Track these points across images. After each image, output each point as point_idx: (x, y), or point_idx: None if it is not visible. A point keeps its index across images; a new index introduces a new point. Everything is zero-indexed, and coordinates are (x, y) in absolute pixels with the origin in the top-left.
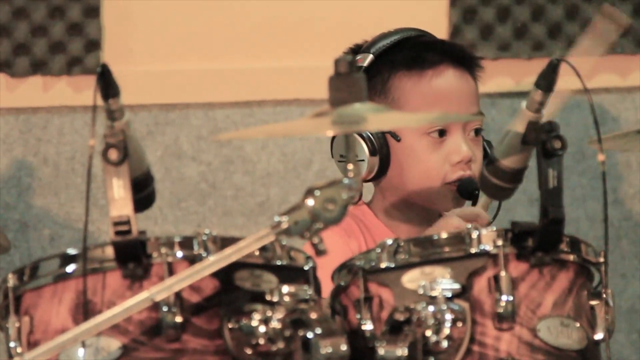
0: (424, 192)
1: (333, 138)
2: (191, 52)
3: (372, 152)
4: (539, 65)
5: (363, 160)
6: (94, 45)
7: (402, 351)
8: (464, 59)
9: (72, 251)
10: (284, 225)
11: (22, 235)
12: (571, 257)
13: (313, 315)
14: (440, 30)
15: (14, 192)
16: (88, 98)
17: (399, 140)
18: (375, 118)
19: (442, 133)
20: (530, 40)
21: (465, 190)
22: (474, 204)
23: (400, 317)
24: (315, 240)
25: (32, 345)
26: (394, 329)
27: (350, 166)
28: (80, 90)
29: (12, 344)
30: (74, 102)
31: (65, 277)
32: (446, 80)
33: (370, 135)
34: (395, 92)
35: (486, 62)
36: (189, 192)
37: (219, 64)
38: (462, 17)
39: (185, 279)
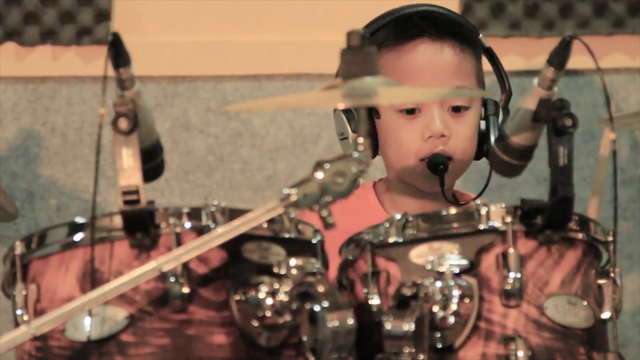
0: (402, 170)
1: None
2: (201, 24)
3: (355, 130)
4: (549, 44)
5: (347, 137)
6: (103, 15)
7: (409, 326)
8: (446, 32)
9: (80, 220)
10: (293, 198)
11: (28, 205)
12: (580, 236)
13: (320, 289)
14: (451, 7)
15: (21, 162)
16: (97, 68)
17: (378, 118)
18: (387, 92)
19: (411, 111)
20: (541, 19)
21: (432, 165)
22: (442, 180)
23: (407, 292)
24: (324, 213)
25: (38, 313)
26: (401, 304)
27: (360, 140)
28: (89, 61)
29: (18, 312)
30: (83, 72)
31: (72, 245)
32: (419, 54)
33: (355, 113)
34: (381, 70)
35: (496, 40)
36: (197, 164)
37: (229, 36)
38: None
39: (193, 249)
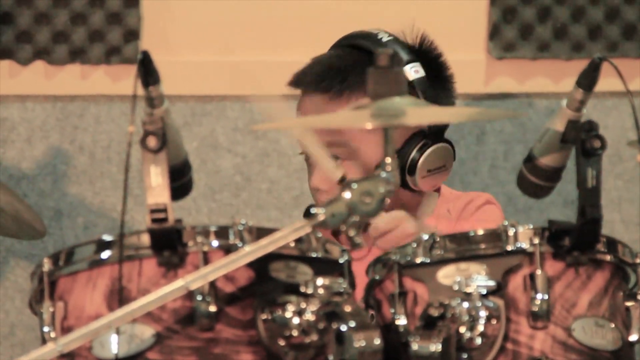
0: None
1: None
2: (229, 43)
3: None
4: (578, 66)
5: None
6: (132, 34)
7: (436, 347)
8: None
9: (107, 237)
10: (321, 217)
11: (56, 223)
12: (608, 258)
13: (347, 308)
14: (480, 29)
15: (49, 180)
16: (125, 87)
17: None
18: (415, 112)
19: (307, 157)
20: (570, 41)
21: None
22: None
23: (434, 312)
24: (352, 233)
25: (65, 330)
26: (428, 325)
27: (388, 160)
28: (118, 80)
29: (45, 329)
30: (112, 91)
31: (100, 263)
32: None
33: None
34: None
35: (525, 62)
36: (224, 184)
37: (257, 56)
38: (502, 17)
39: (220, 268)
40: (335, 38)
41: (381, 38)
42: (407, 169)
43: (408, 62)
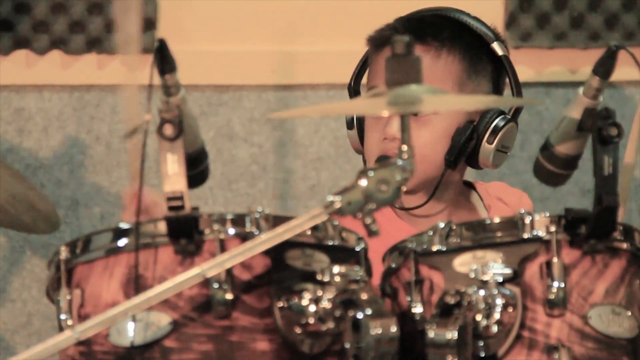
0: None
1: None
2: (246, 33)
3: (349, 125)
4: (594, 55)
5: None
6: (149, 24)
7: (452, 334)
8: (417, 34)
9: (124, 225)
10: (337, 205)
11: (72, 213)
12: (624, 246)
13: (363, 296)
14: (496, 18)
15: (65, 169)
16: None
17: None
18: (431, 99)
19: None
20: (587, 30)
21: None
22: None
23: (450, 300)
24: (368, 220)
25: (82, 318)
26: (444, 312)
27: (404, 147)
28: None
29: (62, 316)
30: (128, 80)
31: (117, 251)
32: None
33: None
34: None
35: (541, 51)
36: (240, 173)
37: (274, 46)
38: (519, 6)
39: (236, 256)
40: (351, 28)
41: (467, 12)
42: (486, 139)
43: (496, 40)
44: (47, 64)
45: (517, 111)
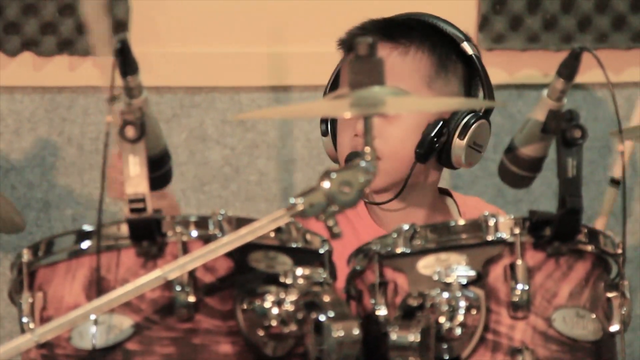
0: None
1: None
2: (218, 35)
3: (324, 133)
4: None
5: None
6: (121, 26)
7: (415, 337)
8: (385, 33)
9: (87, 228)
10: (299, 207)
11: (44, 215)
12: (589, 248)
13: (326, 299)
14: (469, 20)
15: (37, 171)
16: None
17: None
18: (394, 101)
19: None
20: (559, 32)
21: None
22: None
23: (413, 302)
24: (330, 222)
25: (44, 320)
26: (407, 315)
27: (367, 149)
28: (106, 71)
29: (24, 319)
30: (100, 82)
31: (79, 253)
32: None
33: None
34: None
35: (514, 53)
36: (213, 175)
37: (246, 47)
38: (492, 8)
39: (198, 258)
40: (329, 30)
41: (438, 17)
42: (457, 134)
43: (466, 40)
44: (19, 66)
45: (489, 110)
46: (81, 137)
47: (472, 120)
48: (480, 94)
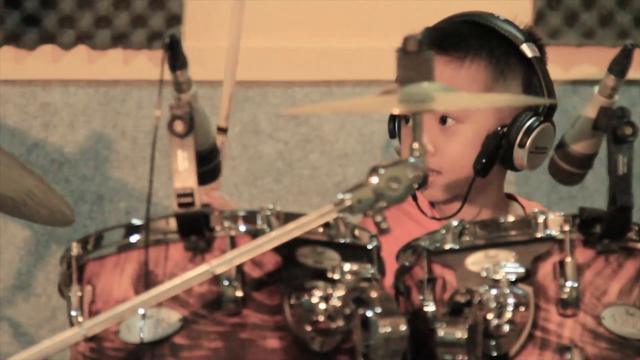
0: None
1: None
2: (272, 29)
3: (391, 134)
4: None
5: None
6: (175, 19)
7: (462, 333)
8: (439, 46)
9: (136, 221)
10: (347, 203)
11: (98, 208)
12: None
13: (373, 294)
14: (524, 16)
15: (91, 165)
16: (168, 72)
17: (407, 123)
18: (443, 97)
19: (407, 119)
20: (615, 28)
21: None
22: (414, 196)
23: (461, 299)
24: (378, 218)
25: (93, 314)
26: (455, 311)
27: (416, 145)
28: (160, 65)
29: (73, 313)
30: (154, 76)
31: (128, 247)
32: None
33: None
34: None
35: (570, 49)
36: (266, 170)
37: (300, 42)
38: (547, 4)
39: (245, 253)
40: (382, 25)
41: (497, 15)
42: (517, 142)
43: (526, 41)
44: (73, 59)
45: (550, 111)
46: (135, 131)
47: (535, 125)
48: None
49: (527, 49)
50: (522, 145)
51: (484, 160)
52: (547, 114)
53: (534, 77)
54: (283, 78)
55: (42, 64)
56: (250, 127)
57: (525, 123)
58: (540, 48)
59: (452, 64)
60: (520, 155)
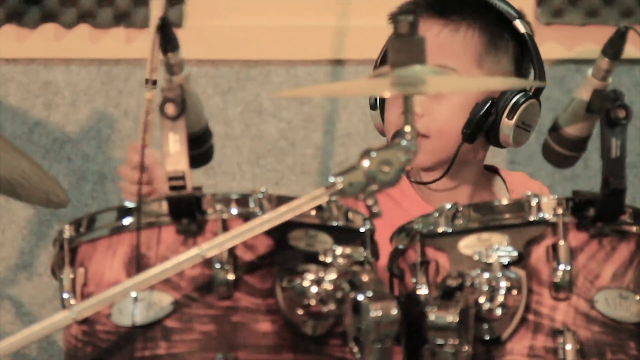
0: None
1: None
2: (274, 8)
3: (372, 106)
4: None
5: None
6: None
7: (453, 317)
8: (434, 9)
9: (129, 204)
10: (339, 186)
11: (100, 187)
12: (634, 229)
13: (364, 278)
14: None
15: (93, 144)
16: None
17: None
18: (435, 80)
19: None
20: (619, 6)
21: None
22: None
23: (452, 282)
24: (370, 202)
25: (85, 297)
26: (446, 295)
27: (408, 128)
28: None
29: (65, 295)
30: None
31: (121, 230)
32: None
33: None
34: None
35: (573, 28)
36: (268, 149)
37: (302, 21)
38: None
39: (237, 236)
40: (384, 3)
41: None
42: (505, 114)
43: (519, 18)
44: (75, 38)
45: (539, 89)
46: (137, 110)
47: (522, 100)
48: (532, 73)
49: (520, 25)
50: (509, 117)
51: (472, 126)
52: (535, 91)
53: (525, 53)
54: (285, 57)
55: (44, 42)
56: (253, 107)
57: (513, 96)
58: (531, 29)
59: (448, 27)
60: (507, 127)
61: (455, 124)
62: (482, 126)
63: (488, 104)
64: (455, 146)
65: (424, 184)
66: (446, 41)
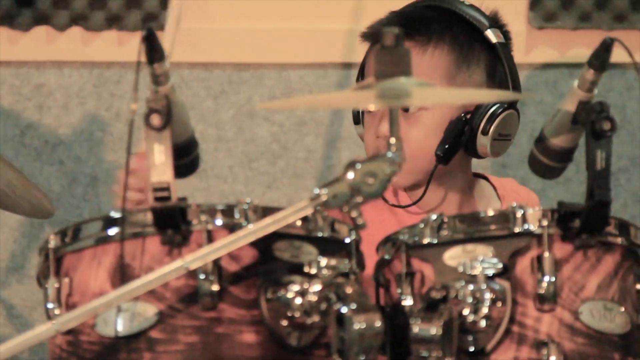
0: None
1: None
2: (267, 11)
3: (355, 120)
4: (619, 36)
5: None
6: (169, 1)
7: (437, 330)
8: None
9: (114, 214)
10: (323, 198)
11: (92, 190)
12: (619, 240)
13: (348, 290)
14: None
15: (85, 146)
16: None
17: (369, 111)
18: (420, 92)
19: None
20: (612, 11)
21: None
22: None
23: (436, 295)
24: (354, 214)
25: (70, 307)
26: (430, 307)
27: (393, 140)
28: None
29: (49, 305)
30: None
31: (106, 240)
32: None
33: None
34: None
35: (566, 32)
36: (261, 152)
37: (295, 24)
38: None
39: (222, 247)
40: (375, 6)
41: (462, 0)
42: (480, 129)
43: (490, 27)
44: (67, 41)
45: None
46: (129, 112)
47: (498, 112)
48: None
49: (492, 35)
50: (485, 132)
51: (446, 147)
52: (511, 101)
53: (498, 63)
54: (278, 60)
55: (36, 45)
56: (245, 110)
57: (488, 110)
58: (506, 34)
59: (415, 50)
60: (483, 142)
61: (428, 146)
62: (455, 147)
63: (462, 121)
64: (431, 166)
65: (402, 207)
66: (415, 62)
